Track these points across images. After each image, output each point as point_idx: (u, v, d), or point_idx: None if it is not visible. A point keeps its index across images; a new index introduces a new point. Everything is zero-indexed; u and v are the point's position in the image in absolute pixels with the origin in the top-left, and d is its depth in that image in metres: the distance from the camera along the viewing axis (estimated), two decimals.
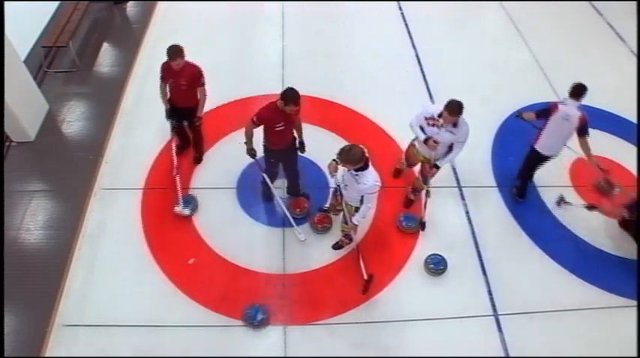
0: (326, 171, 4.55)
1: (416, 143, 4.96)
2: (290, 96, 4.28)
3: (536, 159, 5.31)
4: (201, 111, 5.24)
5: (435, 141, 4.59)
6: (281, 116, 4.43)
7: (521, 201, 5.67)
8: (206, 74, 5.03)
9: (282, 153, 4.88)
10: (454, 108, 4.40)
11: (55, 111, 6.31)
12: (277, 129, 4.52)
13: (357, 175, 4.05)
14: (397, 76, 7.17)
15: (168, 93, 5.18)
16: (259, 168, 5.09)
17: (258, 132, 4.66)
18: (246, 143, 4.72)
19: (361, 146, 4.02)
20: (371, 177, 4.04)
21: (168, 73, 4.95)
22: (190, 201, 5.34)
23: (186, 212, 5.23)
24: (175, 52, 4.77)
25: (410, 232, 5.25)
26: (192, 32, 7.69)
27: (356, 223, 4.43)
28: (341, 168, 4.24)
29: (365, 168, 4.01)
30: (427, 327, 4.61)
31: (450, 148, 4.75)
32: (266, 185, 5.16)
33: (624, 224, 5.28)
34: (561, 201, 5.53)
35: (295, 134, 4.82)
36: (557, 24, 7.44)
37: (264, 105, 4.52)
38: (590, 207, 5.20)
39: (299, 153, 4.95)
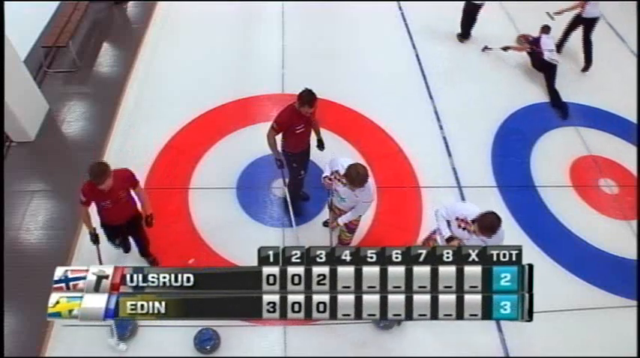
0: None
1: (437, 237, 4.15)
2: (305, 97, 4.30)
3: (470, 7, 7.23)
4: (150, 207, 4.26)
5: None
6: (300, 118, 4.45)
7: (463, 42, 7.60)
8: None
9: (303, 155, 4.89)
10: (487, 230, 3.67)
11: (55, 111, 6.30)
12: (297, 131, 4.53)
13: (355, 189, 3.99)
14: (397, 75, 7.16)
15: (99, 216, 4.24)
16: (283, 181, 5.08)
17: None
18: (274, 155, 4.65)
19: (361, 165, 3.94)
20: (370, 191, 4.06)
21: (97, 195, 3.94)
22: (125, 326, 4.34)
23: (123, 347, 4.28)
24: (103, 172, 3.75)
25: None
26: (192, 32, 7.70)
27: (341, 223, 4.44)
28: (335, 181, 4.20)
29: (365, 182, 3.95)
30: (427, 327, 4.60)
31: None
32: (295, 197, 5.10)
33: (531, 57, 6.97)
34: (485, 48, 7.36)
35: (314, 133, 4.84)
36: (558, 24, 7.45)
37: (281, 110, 4.55)
38: (505, 48, 7.11)
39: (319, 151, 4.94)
